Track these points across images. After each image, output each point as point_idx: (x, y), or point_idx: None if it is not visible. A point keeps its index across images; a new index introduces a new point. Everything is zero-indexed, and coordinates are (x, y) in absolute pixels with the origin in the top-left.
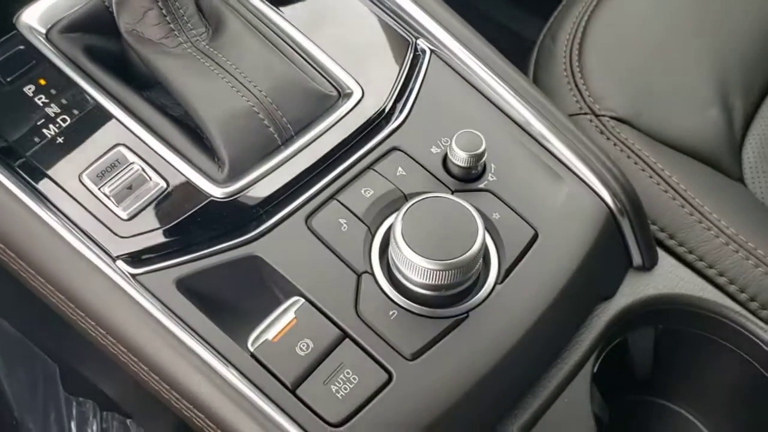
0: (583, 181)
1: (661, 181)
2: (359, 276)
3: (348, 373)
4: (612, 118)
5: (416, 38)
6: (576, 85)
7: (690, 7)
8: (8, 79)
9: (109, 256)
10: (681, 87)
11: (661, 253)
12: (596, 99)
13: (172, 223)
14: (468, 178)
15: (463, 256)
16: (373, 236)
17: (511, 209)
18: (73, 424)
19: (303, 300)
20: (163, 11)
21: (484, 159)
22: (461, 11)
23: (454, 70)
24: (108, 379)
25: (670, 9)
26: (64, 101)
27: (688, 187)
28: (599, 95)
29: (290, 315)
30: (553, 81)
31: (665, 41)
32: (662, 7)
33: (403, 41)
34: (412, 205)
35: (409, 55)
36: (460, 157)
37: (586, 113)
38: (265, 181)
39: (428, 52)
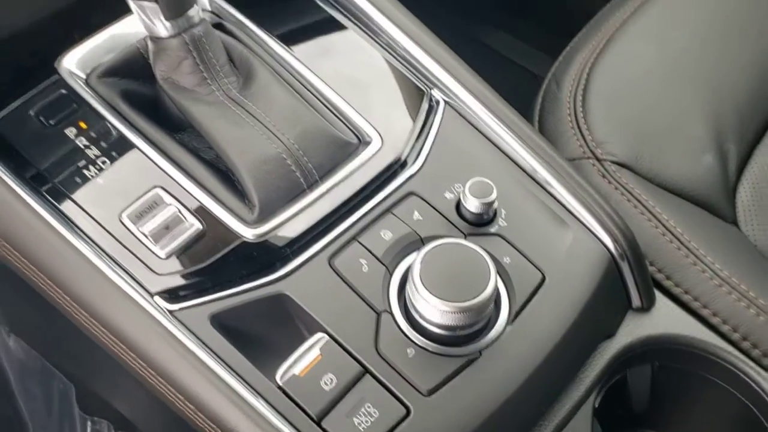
0: (586, 227)
1: (659, 225)
2: (379, 315)
3: (369, 407)
4: (613, 162)
5: (431, 89)
6: (579, 130)
7: (689, 58)
8: (51, 122)
9: (148, 292)
10: (679, 133)
11: (659, 294)
12: (598, 144)
13: (207, 263)
14: (480, 223)
15: (477, 299)
16: (391, 276)
17: (521, 253)
18: None
19: (327, 337)
20: (197, 61)
21: (495, 206)
22: (472, 48)
23: (466, 120)
24: (128, 402)
25: (670, 59)
26: (103, 144)
27: (684, 231)
28: (601, 140)
29: (315, 351)
30: (557, 125)
31: (665, 89)
32: (662, 57)
33: (419, 92)
34: (430, 249)
35: (425, 105)
36: (472, 204)
37: (588, 157)
38: (292, 223)
39: (442, 103)
